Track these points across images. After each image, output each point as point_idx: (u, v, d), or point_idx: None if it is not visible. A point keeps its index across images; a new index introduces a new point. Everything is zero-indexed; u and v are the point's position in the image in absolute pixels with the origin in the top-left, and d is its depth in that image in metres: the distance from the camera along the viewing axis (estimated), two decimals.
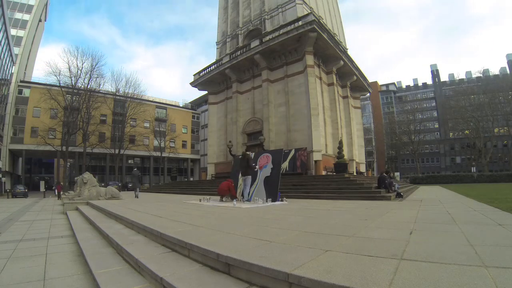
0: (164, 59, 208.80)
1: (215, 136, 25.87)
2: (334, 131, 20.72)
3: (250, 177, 8.43)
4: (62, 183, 25.52)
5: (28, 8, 39.95)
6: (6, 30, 29.14)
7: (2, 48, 28.53)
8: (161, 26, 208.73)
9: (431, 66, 59.53)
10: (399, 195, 9.36)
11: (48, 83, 32.45)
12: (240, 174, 8.96)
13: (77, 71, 32.74)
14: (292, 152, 17.47)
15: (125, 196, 12.97)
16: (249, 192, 8.43)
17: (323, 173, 16.45)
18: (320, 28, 18.02)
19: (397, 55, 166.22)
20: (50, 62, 56.92)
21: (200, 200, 9.09)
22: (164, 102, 48.75)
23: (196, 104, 56.29)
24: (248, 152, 9.46)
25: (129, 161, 44.46)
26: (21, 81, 35.33)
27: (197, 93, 65.52)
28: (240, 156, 10.60)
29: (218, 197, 9.38)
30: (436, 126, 55.30)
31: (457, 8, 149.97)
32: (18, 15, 38.71)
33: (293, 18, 19.63)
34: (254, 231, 3.38)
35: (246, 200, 8.34)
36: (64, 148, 31.12)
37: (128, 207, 7.33)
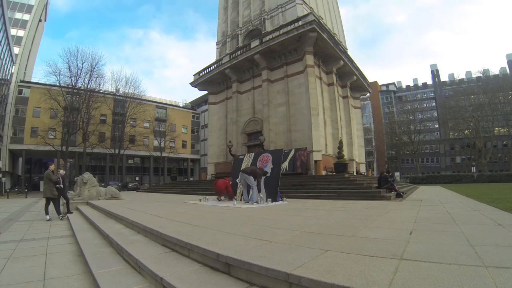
0: (163, 59, 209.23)
1: (215, 136, 25.87)
2: (334, 131, 20.72)
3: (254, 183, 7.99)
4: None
5: (28, 8, 39.93)
6: (6, 30, 29.14)
7: (2, 48, 28.53)
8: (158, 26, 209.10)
9: (431, 66, 59.56)
10: (399, 195, 9.36)
11: (48, 83, 32.49)
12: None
13: (77, 71, 32.74)
14: (292, 152, 17.47)
15: (125, 196, 12.98)
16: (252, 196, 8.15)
17: (323, 173, 16.44)
18: (320, 28, 18.01)
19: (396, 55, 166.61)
20: (50, 62, 56.90)
21: (200, 200, 9.09)
22: (164, 102, 48.75)
23: (196, 104, 56.30)
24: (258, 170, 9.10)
25: (129, 161, 44.47)
26: (21, 81, 35.31)
27: (197, 93, 65.67)
28: (240, 156, 10.59)
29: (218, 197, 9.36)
30: (436, 126, 55.28)
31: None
32: (18, 15, 38.68)
33: (293, 18, 19.63)
34: (254, 231, 3.38)
35: (246, 200, 8.33)
36: (64, 148, 31.10)
37: (128, 207, 7.33)
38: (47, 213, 7.07)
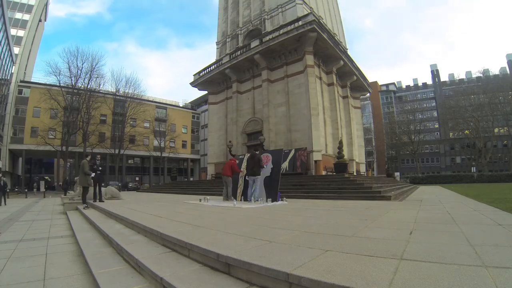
0: (163, 59, 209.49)
1: (215, 136, 25.88)
2: (334, 131, 20.73)
3: (259, 177, 8.14)
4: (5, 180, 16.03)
5: (28, 8, 39.94)
6: (6, 30, 29.16)
7: (2, 48, 28.54)
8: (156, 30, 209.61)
9: (431, 66, 59.62)
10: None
11: (48, 83, 32.51)
12: (244, 175, 8.81)
13: (77, 71, 32.81)
14: (292, 152, 17.47)
15: (125, 196, 12.98)
16: (254, 192, 8.15)
17: (323, 173, 16.45)
18: (320, 28, 18.02)
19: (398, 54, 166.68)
20: (50, 62, 56.90)
21: (200, 200, 9.08)
22: (164, 102, 48.79)
23: (196, 104, 56.32)
24: (257, 152, 9.11)
25: (129, 161, 44.47)
26: (21, 81, 35.33)
27: (197, 93, 65.66)
28: (241, 156, 10.55)
29: (218, 197, 9.34)
30: (436, 126, 55.32)
31: None
32: (18, 15, 38.70)
33: (293, 18, 19.63)
34: (254, 231, 3.38)
35: (246, 200, 8.33)
36: (64, 148, 31.13)
37: (128, 207, 7.32)
38: (84, 201, 8.21)
